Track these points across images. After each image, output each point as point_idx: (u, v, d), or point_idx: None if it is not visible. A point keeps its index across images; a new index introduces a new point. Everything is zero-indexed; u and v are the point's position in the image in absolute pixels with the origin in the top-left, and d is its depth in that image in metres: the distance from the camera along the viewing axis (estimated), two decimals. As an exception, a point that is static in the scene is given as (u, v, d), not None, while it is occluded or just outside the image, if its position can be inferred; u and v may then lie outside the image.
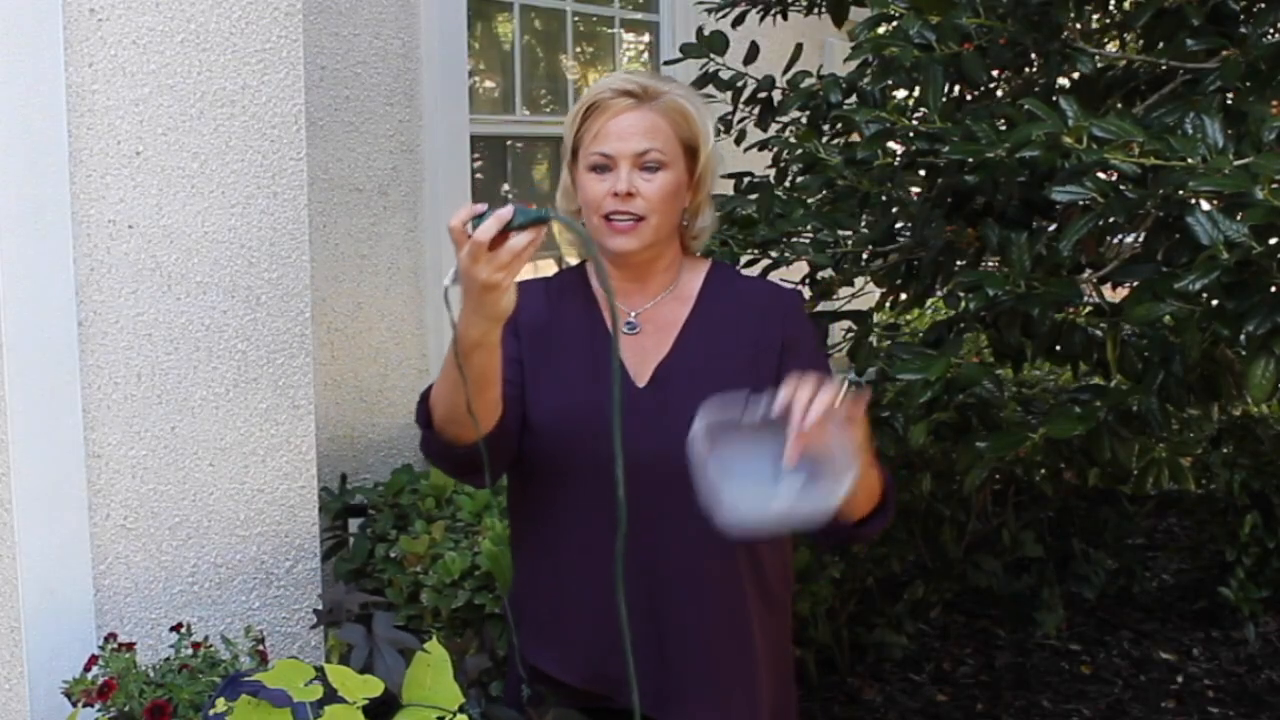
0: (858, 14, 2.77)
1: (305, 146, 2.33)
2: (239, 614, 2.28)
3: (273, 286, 2.29)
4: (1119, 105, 2.54)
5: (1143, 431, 2.13)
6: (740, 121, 3.10)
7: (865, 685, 3.74)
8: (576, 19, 4.57)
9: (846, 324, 2.63)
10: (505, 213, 1.51)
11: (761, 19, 3.26)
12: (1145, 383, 2.10)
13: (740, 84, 3.05)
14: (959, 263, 2.42)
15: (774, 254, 2.55)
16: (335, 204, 3.67)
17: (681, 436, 1.71)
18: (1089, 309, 2.23)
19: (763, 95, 3.03)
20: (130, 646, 1.99)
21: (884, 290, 2.75)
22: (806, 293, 2.65)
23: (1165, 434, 2.17)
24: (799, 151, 2.63)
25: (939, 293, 2.58)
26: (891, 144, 2.36)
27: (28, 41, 1.98)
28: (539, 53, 4.54)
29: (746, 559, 1.87)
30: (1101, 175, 1.95)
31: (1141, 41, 2.63)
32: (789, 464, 1.54)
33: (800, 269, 2.65)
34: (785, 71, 2.92)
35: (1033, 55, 2.51)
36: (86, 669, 1.96)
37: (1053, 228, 2.33)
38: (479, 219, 1.52)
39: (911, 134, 2.26)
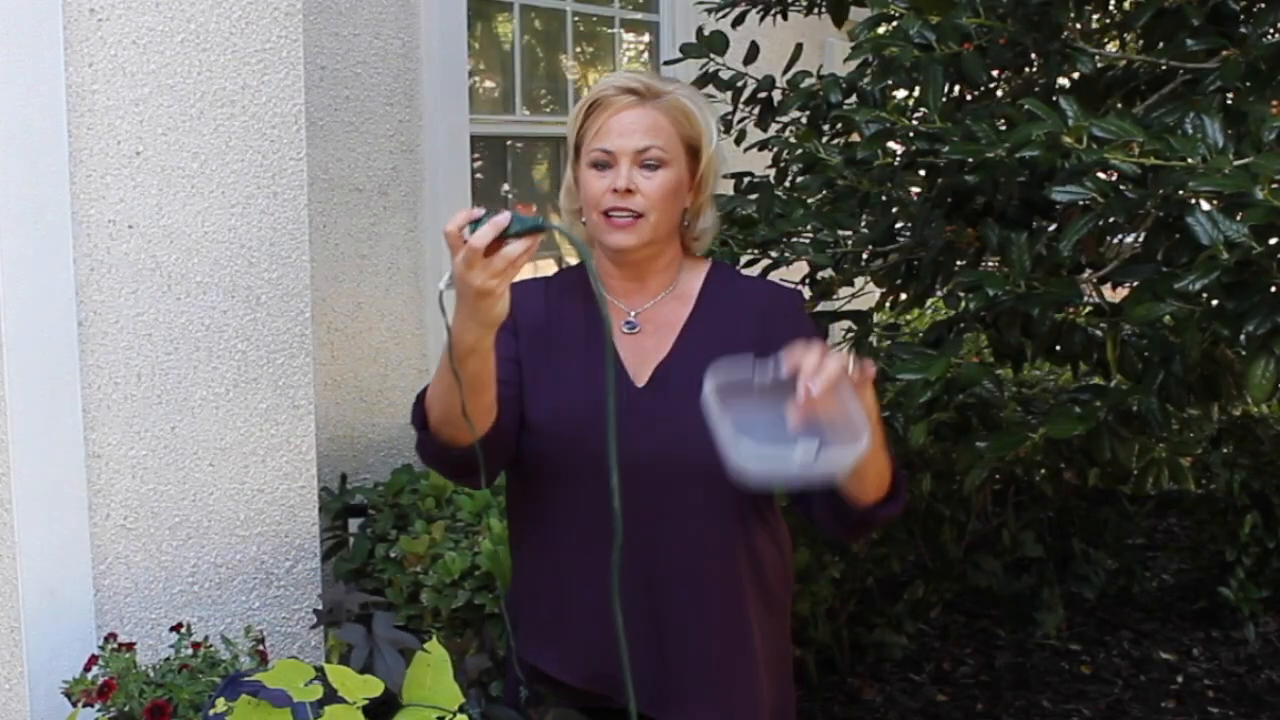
0: (858, 14, 2.77)
1: (305, 146, 2.33)
2: (239, 614, 2.28)
3: (273, 286, 2.29)
4: (1119, 105, 2.54)
5: (1143, 431, 2.13)
6: (740, 121, 3.10)
7: (865, 685, 3.74)
8: (576, 19, 4.57)
9: (846, 324, 2.63)
10: (502, 219, 1.51)
11: (761, 19, 3.26)
12: (1145, 383, 2.10)
13: (740, 84, 3.05)
14: (959, 263, 2.42)
15: (774, 254, 2.55)
16: (335, 204, 3.67)
17: (681, 436, 1.71)
18: (1089, 309, 2.23)
19: (763, 95, 3.03)
20: (130, 646, 1.99)
21: (884, 290, 2.75)
22: (806, 293, 2.65)
23: (1165, 434, 2.17)
24: (799, 151, 2.63)
25: (939, 293, 2.58)
26: (891, 144, 2.36)
27: (28, 41, 1.98)
28: (539, 53, 4.54)
29: (746, 559, 1.87)
30: (1101, 175, 1.95)
31: (1141, 41, 2.63)
32: (794, 424, 1.54)
33: (800, 269, 2.65)
34: (785, 71, 2.92)
35: (1033, 55, 2.51)
36: (86, 669, 1.96)
37: (1053, 228, 2.33)
38: (475, 224, 1.51)
39: (911, 134, 2.26)
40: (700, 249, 1.93)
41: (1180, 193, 1.81)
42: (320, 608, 2.18)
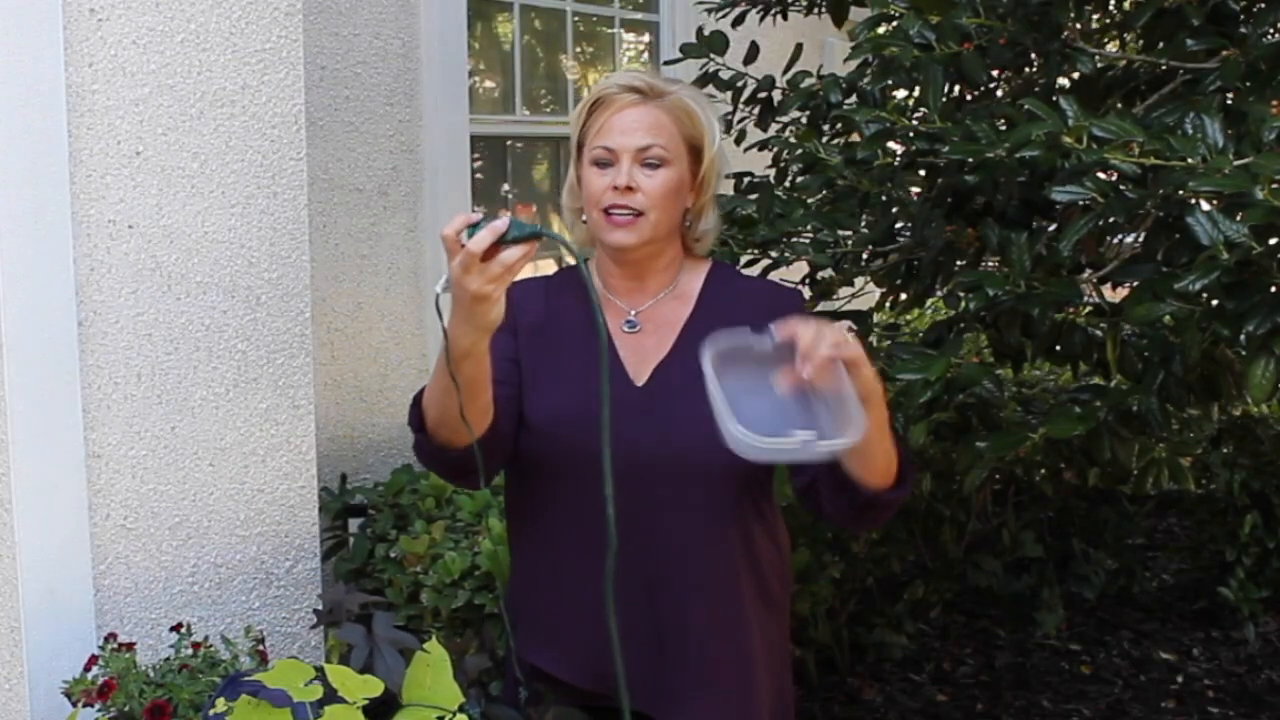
0: (858, 14, 2.77)
1: (305, 146, 2.33)
2: (239, 614, 2.28)
3: (273, 286, 2.29)
4: (1119, 105, 2.54)
5: (1143, 431, 2.13)
6: (740, 121, 3.10)
7: (865, 685, 3.74)
8: (576, 19, 4.57)
9: (846, 324, 2.63)
10: (500, 224, 1.51)
11: (761, 19, 3.26)
12: (1145, 383, 2.10)
13: (740, 84, 3.05)
14: (959, 263, 2.42)
15: (774, 254, 2.55)
16: (335, 204, 3.67)
17: (680, 435, 1.71)
18: (1089, 309, 2.23)
19: (763, 95, 3.03)
20: (130, 646, 1.99)
21: (884, 290, 2.75)
22: (806, 293, 2.65)
23: (1165, 434, 2.17)
24: (799, 151, 2.63)
25: (939, 293, 2.58)
26: (891, 144, 2.36)
27: (28, 41, 1.98)
28: (539, 53, 4.54)
29: (745, 558, 1.87)
30: (1101, 175, 1.95)
31: (1141, 41, 2.62)
32: (783, 390, 1.55)
33: (800, 269, 2.65)
34: (785, 71, 2.92)
35: (1033, 55, 2.51)
36: (86, 669, 1.96)
37: (1053, 228, 2.33)
38: (473, 228, 1.51)
39: (911, 134, 2.26)
40: (702, 249, 1.93)
41: (1180, 193, 1.81)
42: (320, 608, 2.18)
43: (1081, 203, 1.97)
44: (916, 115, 2.28)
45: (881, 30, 2.43)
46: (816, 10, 3.21)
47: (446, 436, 1.74)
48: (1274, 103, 2.07)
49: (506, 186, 4.39)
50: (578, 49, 4.65)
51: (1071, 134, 1.90)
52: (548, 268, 3.53)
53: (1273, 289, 1.81)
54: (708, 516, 1.83)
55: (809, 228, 2.53)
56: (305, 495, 2.37)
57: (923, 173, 2.54)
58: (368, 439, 3.79)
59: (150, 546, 2.17)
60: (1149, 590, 4.45)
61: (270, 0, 2.25)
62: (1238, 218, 1.76)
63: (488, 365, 1.66)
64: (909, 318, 4.51)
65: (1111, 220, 2.02)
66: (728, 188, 2.73)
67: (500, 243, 1.51)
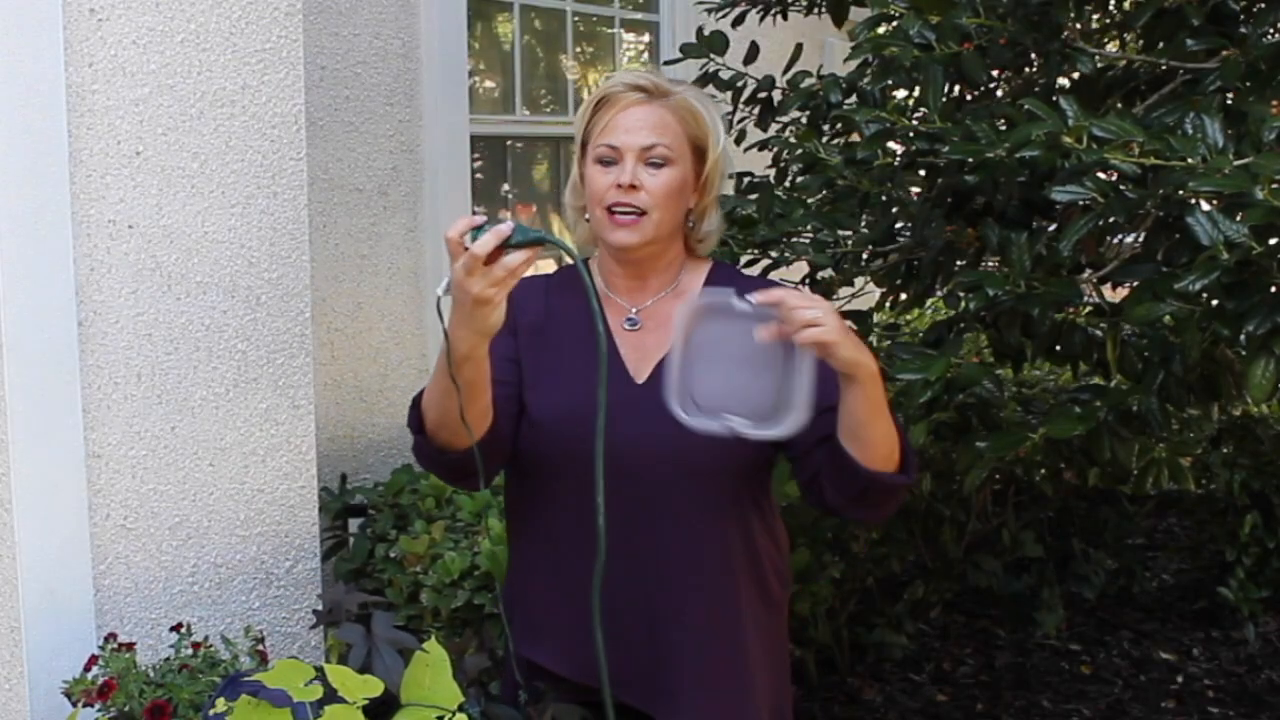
0: (858, 14, 2.77)
1: (305, 146, 2.33)
2: (239, 614, 2.28)
3: (273, 286, 2.29)
4: (1119, 105, 2.54)
5: (1143, 431, 2.13)
6: (740, 121, 3.10)
7: (865, 685, 3.74)
8: (576, 19, 4.57)
9: (847, 324, 2.62)
10: (505, 228, 1.51)
11: (761, 19, 3.26)
12: (1145, 383, 2.10)
13: (740, 84, 3.05)
14: (959, 263, 2.42)
15: (774, 254, 2.55)
16: (335, 204, 3.67)
17: (680, 432, 1.71)
18: (1089, 309, 2.23)
19: (763, 95, 3.03)
20: (130, 646, 1.99)
21: (884, 290, 2.75)
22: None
23: (1165, 434, 2.17)
24: (799, 151, 2.63)
25: (939, 293, 2.58)
26: (891, 144, 2.36)
27: (28, 41, 1.98)
28: (539, 53, 4.54)
29: (744, 556, 1.87)
30: (1101, 175, 1.95)
31: (1141, 41, 2.62)
32: (762, 338, 1.59)
33: (800, 269, 2.65)
34: (785, 71, 2.92)
35: (1033, 55, 2.51)
36: (86, 669, 1.96)
37: (1053, 228, 2.33)
38: (477, 231, 1.51)
39: (911, 134, 2.26)
40: (705, 250, 1.93)
41: (1180, 193, 1.81)
42: (320, 608, 2.18)
43: (1081, 203, 1.97)
44: (916, 115, 2.28)
45: (881, 30, 2.43)
46: (816, 10, 3.20)
47: (446, 438, 1.74)
48: (1274, 103, 2.07)
49: (506, 186, 4.39)
50: (578, 49, 4.65)
51: (1071, 134, 1.90)
52: (547, 267, 3.53)
53: (1273, 289, 1.81)
54: (708, 514, 1.83)
55: (809, 228, 2.53)
56: (305, 495, 2.37)
57: (923, 173, 2.54)
58: (368, 439, 3.79)
59: (150, 546, 2.17)
60: (1149, 590, 4.45)
61: (270, 0, 2.26)
62: (1238, 218, 1.76)
63: (487, 368, 1.67)
64: (909, 318, 4.51)
65: (1111, 220, 2.02)
66: (728, 188, 2.74)
67: (504, 247, 1.51)
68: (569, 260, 1.64)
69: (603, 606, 1.64)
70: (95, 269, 2.09)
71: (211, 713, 1.69)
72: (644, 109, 1.80)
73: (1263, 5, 2.30)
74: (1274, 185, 1.71)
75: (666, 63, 3.54)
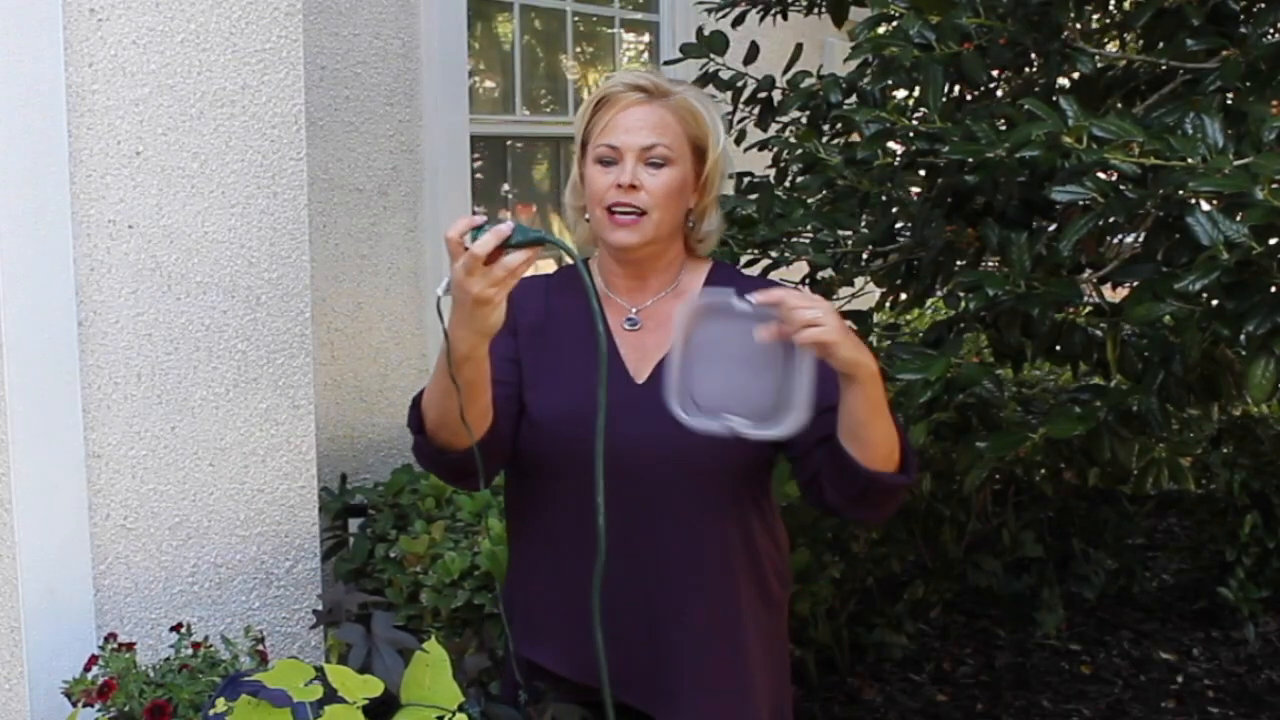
0: (858, 14, 2.77)
1: (305, 146, 2.33)
2: (239, 614, 2.28)
3: (273, 286, 2.29)
4: (1119, 105, 2.54)
5: (1143, 431, 2.13)
6: (740, 121, 3.10)
7: (865, 685, 3.74)
8: (576, 19, 4.57)
9: (847, 324, 2.62)
10: (505, 229, 1.51)
11: (761, 19, 3.26)
12: (1145, 383, 2.10)
13: (740, 84, 3.05)
14: (959, 263, 2.42)
15: (774, 254, 2.55)
16: (335, 204, 3.67)
17: (680, 432, 1.71)
18: (1089, 309, 2.23)
19: (763, 95, 3.03)
20: (130, 646, 1.99)
21: (884, 290, 2.75)
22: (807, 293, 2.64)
23: (1165, 434, 2.17)
24: (799, 151, 2.63)
25: (939, 293, 2.58)
26: (891, 144, 2.36)
27: (28, 41, 1.98)
28: (539, 53, 4.54)
29: (745, 555, 1.87)
30: (1101, 175, 1.95)
31: (1141, 41, 2.62)
32: (761, 338, 1.60)
33: (800, 269, 2.65)
34: (785, 71, 2.92)
35: (1033, 55, 2.51)
36: (86, 669, 1.96)
37: (1053, 228, 2.33)
38: (477, 231, 1.51)
39: (911, 134, 2.26)
40: (705, 250, 1.93)
41: (1180, 193, 1.81)
42: (320, 608, 2.18)
43: (1081, 203, 1.97)
44: (916, 115, 2.28)
45: (881, 30, 2.43)
46: (816, 10, 3.20)
47: (446, 439, 1.74)
48: (1274, 103, 2.07)
49: (506, 186, 4.39)
50: (578, 49, 4.65)
51: (1071, 134, 1.90)
52: (547, 267, 3.53)
53: (1273, 289, 1.81)
54: (707, 514, 1.83)
55: (809, 228, 2.53)
56: (305, 495, 2.37)
57: (923, 173, 2.54)
58: (368, 439, 3.79)
59: (150, 546, 2.17)
60: (1149, 590, 4.45)
61: (270, 0, 2.26)
62: (1238, 218, 1.76)
63: (487, 368, 1.67)
64: (909, 318, 4.51)
65: (1111, 220, 2.02)
66: (728, 188, 2.74)
67: (504, 247, 1.51)
68: (569, 260, 1.64)
69: (603, 606, 1.64)
70: (95, 269, 2.09)
71: (211, 713, 1.69)
72: (644, 109, 1.80)
73: (1263, 5, 2.30)
74: (1274, 185, 1.71)
75: (666, 63, 3.54)
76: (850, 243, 2.61)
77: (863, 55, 2.43)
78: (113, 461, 2.12)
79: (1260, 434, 4.10)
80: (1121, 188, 1.94)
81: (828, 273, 2.66)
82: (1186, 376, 2.11)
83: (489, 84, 4.36)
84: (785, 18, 3.28)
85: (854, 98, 2.63)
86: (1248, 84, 2.14)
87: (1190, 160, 1.81)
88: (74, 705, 1.92)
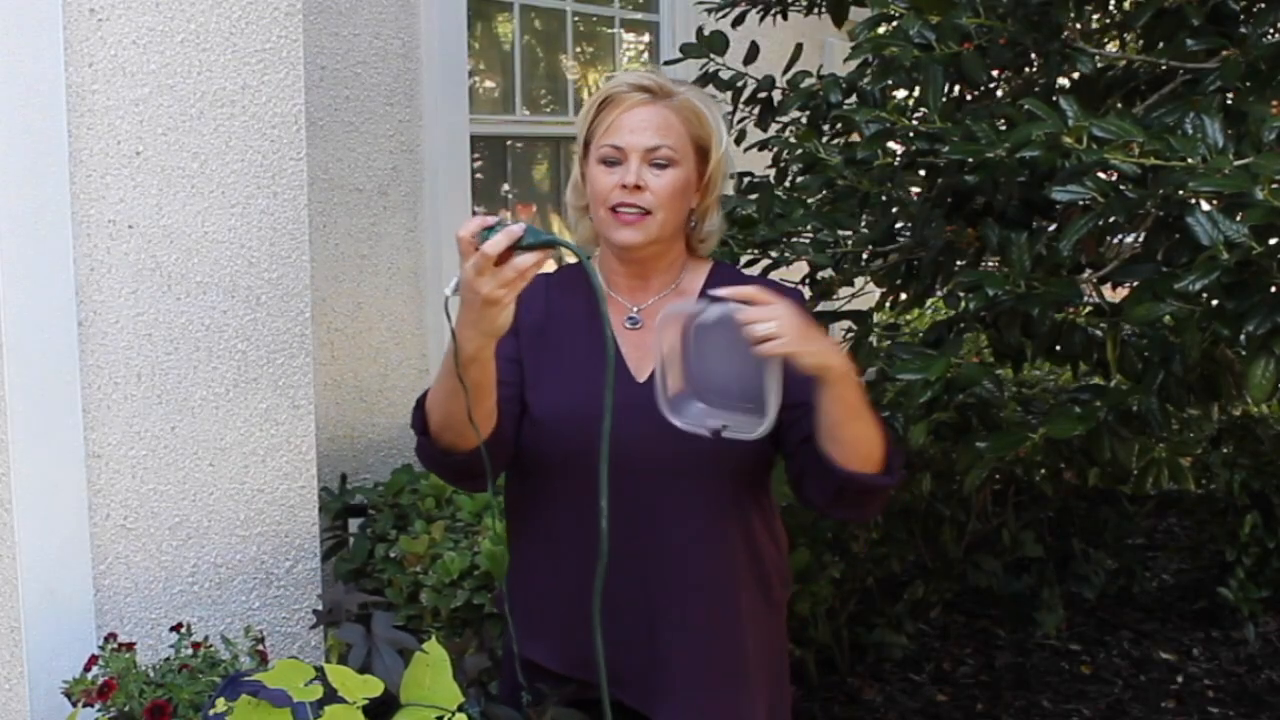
0: (858, 14, 2.77)
1: (305, 146, 2.33)
2: (239, 614, 2.28)
3: (273, 286, 2.29)
4: (1119, 105, 2.53)
5: (1143, 431, 2.13)
6: (740, 121, 3.10)
7: (865, 685, 3.74)
8: (576, 19, 4.57)
9: (846, 324, 2.63)
10: (516, 229, 1.51)
11: (761, 19, 3.26)
12: (1145, 383, 2.10)
13: (740, 84, 3.05)
14: (959, 263, 2.42)
15: (774, 254, 2.55)
16: (335, 204, 3.67)
17: (680, 433, 1.71)
18: (1089, 309, 2.23)
19: (763, 95, 3.03)
20: (130, 646, 1.99)
21: (884, 290, 2.75)
22: (807, 293, 2.65)
23: (1165, 434, 2.17)
24: (799, 151, 2.63)
25: (939, 293, 2.58)
26: (891, 144, 2.36)
27: (28, 41, 1.98)
28: (539, 53, 4.54)
29: (746, 553, 1.87)
30: (1101, 175, 1.95)
31: (1141, 41, 2.62)
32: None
33: (800, 269, 2.65)
34: (785, 71, 2.92)
35: (1033, 55, 2.51)
36: (86, 669, 1.96)
37: (1053, 228, 2.33)
38: (488, 231, 1.51)
39: (911, 134, 2.26)
40: (706, 250, 1.93)
41: (1180, 193, 1.81)
42: (320, 608, 2.18)
43: (1081, 203, 1.97)
44: (916, 115, 2.28)
45: (881, 30, 2.43)
46: (816, 10, 3.21)
47: (451, 440, 1.74)
48: (1274, 103, 2.07)
49: (506, 186, 4.39)
50: (578, 49, 4.65)
51: (1071, 134, 1.90)
52: (547, 266, 3.52)
53: (1273, 289, 1.81)
54: (709, 514, 1.83)
55: (809, 228, 2.53)
56: (305, 495, 2.37)
57: (923, 173, 2.54)
58: (368, 439, 3.79)
59: (150, 546, 2.17)
60: (1149, 590, 4.45)
61: (270, 0, 2.25)
62: (1238, 218, 1.76)
63: (493, 370, 1.67)
64: (909, 318, 4.51)
65: (1111, 220, 2.02)
66: (728, 188, 2.74)
67: (515, 248, 1.51)
68: (569, 260, 1.64)
69: (602, 606, 1.64)
70: (95, 269, 2.09)
71: (211, 713, 1.69)
72: (648, 109, 1.80)
73: (1263, 5, 2.30)
74: (1274, 185, 1.71)
75: (666, 63, 3.54)
76: (850, 243, 2.61)
77: (863, 55, 2.43)
78: (113, 461, 2.12)
79: (1260, 434, 4.10)
80: (1121, 188, 1.94)
81: (828, 273, 2.66)
82: (1186, 376, 2.11)
83: (489, 84, 4.36)
84: (785, 18, 3.28)
85: (854, 98, 2.63)
86: (1248, 84, 2.14)
87: (1190, 160, 1.81)
88: (74, 705, 1.92)
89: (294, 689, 1.62)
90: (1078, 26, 2.68)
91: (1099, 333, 2.20)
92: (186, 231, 2.17)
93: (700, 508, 1.82)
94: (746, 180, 2.86)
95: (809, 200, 2.63)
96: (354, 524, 3.21)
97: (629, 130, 1.79)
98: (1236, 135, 1.88)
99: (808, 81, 2.80)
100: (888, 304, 2.79)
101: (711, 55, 2.99)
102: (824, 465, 1.73)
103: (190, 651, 2.01)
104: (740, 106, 3.07)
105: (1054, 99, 2.10)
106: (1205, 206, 1.82)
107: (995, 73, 2.65)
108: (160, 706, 1.87)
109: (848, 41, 2.62)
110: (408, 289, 3.87)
